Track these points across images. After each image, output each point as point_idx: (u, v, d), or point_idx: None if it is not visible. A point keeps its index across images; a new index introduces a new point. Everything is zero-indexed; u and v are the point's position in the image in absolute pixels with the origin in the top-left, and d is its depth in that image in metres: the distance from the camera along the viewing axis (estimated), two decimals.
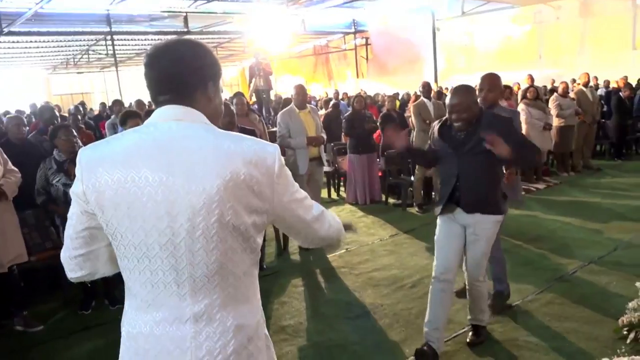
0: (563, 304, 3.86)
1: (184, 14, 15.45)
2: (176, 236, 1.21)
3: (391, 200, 7.41)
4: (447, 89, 11.75)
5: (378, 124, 7.72)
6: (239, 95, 6.39)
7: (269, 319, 3.82)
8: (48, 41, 17.30)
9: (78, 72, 24.21)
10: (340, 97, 14.25)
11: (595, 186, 7.74)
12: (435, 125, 3.27)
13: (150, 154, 1.21)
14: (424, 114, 6.81)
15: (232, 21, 16.05)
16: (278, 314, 4.01)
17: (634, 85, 11.18)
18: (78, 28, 15.16)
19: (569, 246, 5.12)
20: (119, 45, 17.07)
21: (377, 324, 3.74)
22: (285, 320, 3.89)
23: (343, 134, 7.94)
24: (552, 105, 8.33)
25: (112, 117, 8.08)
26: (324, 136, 5.62)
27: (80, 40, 17.66)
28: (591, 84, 10.09)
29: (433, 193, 7.19)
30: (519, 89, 10.31)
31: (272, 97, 13.43)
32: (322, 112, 9.36)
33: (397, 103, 11.04)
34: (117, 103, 9.01)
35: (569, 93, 8.63)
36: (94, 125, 9.30)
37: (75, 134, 4.35)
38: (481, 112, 3.07)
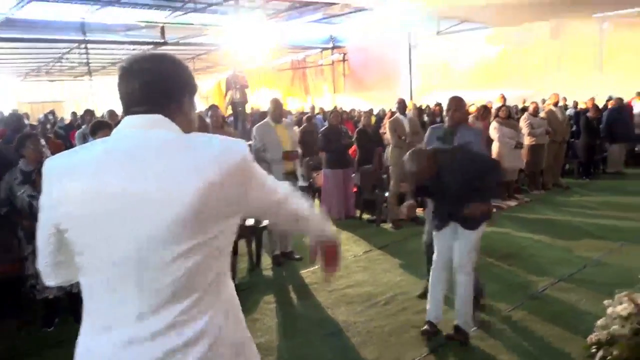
0: (535, 321, 3.89)
1: (161, 25, 15.32)
2: (141, 249, 1.16)
3: (365, 216, 7.40)
4: (428, 106, 11.90)
5: (354, 139, 7.74)
6: (213, 107, 6.33)
7: None
8: (20, 48, 16.91)
9: (50, 80, 23.71)
10: (316, 111, 14.28)
11: (564, 204, 7.89)
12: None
13: (119, 164, 1.17)
14: (399, 130, 6.86)
15: (209, 33, 15.99)
16: (250, 332, 3.91)
17: (600, 107, 11.52)
18: (52, 35, 14.88)
19: (540, 263, 5.18)
20: (93, 54, 16.79)
21: (350, 341, 3.69)
22: (257, 337, 3.80)
23: (319, 148, 7.93)
24: (523, 124, 8.50)
25: (83, 127, 7.89)
26: (300, 151, 5.59)
27: (54, 48, 17.32)
28: (560, 104, 10.35)
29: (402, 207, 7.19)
30: (491, 107, 10.50)
31: (248, 110, 13.38)
32: (296, 129, 9.33)
33: (373, 119, 11.11)
34: (89, 113, 8.84)
35: (539, 112, 8.82)
36: (64, 134, 9.09)
37: (43, 143, 4.22)
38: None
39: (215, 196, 1.18)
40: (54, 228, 1.24)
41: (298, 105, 20.91)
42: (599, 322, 3.41)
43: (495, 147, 8.09)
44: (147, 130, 1.22)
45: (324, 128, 7.71)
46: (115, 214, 1.15)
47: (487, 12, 14.00)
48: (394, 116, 7.20)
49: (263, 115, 7.55)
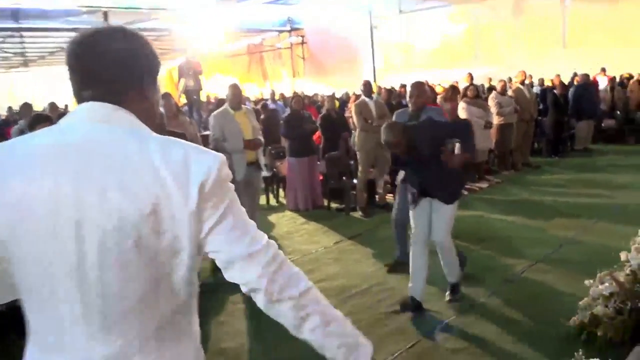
0: (515, 306, 3.91)
1: (104, 10, 14.73)
2: (84, 262, 1.03)
3: (334, 205, 7.34)
4: (393, 88, 11.89)
5: (318, 124, 7.65)
6: (166, 96, 6.07)
7: (205, 342, 3.59)
8: None
9: None
10: (276, 97, 14.11)
11: (535, 183, 8.04)
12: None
13: (61, 162, 1.03)
14: (366, 113, 6.79)
15: (159, 17, 15.50)
16: (216, 336, 3.79)
17: (566, 84, 11.80)
18: None
19: (515, 245, 5.24)
20: (29, 42, 16.02)
21: None
22: (225, 342, 3.68)
23: (282, 136, 7.81)
24: (491, 103, 8.59)
25: (21, 122, 7.53)
26: (262, 139, 5.45)
27: None
28: (527, 81, 10.54)
29: (377, 196, 7.18)
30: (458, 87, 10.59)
31: (203, 99, 13.08)
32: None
33: (337, 103, 11.04)
34: (26, 107, 8.39)
35: (507, 91, 8.93)
36: None
37: None
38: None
39: (169, 213, 1.04)
40: None
41: (256, 92, 20.62)
42: (581, 303, 3.45)
43: None
44: (101, 124, 1.07)
45: (286, 114, 7.58)
46: (54, 220, 1.02)
47: None
48: (360, 99, 7.13)
49: (220, 102, 7.34)
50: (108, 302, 1.05)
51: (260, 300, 1.16)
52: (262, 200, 7.63)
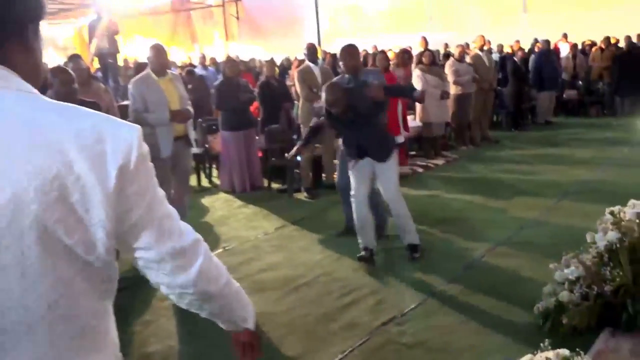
0: (476, 294, 4.00)
1: None
2: None
3: (275, 186, 7.30)
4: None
5: (255, 94, 7.51)
6: (75, 58, 5.76)
7: (128, 346, 3.49)
8: None
9: None
10: (207, 62, 13.78)
11: (495, 160, 8.28)
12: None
13: None
14: (310, 80, 6.71)
15: None
16: (141, 338, 3.68)
17: (526, 50, 12.17)
18: None
19: (475, 228, 5.38)
20: None
21: (267, 336, 3.57)
22: (151, 345, 3.58)
23: (214, 107, 7.62)
24: (448, 71, 8.72)
25: None
26: (191, 109, 5.28)
27: None
28: (486, 48, 10.76)
29: (324, 175, 7.17)
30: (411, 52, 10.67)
31: (121, 63, 12.60)
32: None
33: (276, 70, 10.91)
34: None
35: (465, 58, 9.08)
36: None
37: None
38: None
39: (74, 196, 0.96)
40: None
41: (184, 57, 20.05)
42: (546, 289, 3.57)
43: None
44: None
45: (218, 82, 7.39)
46: None
47: None
48: (303, 65, 7.05)
49: (140, 67, 7.05)
50: (7, 314, 0.95)
51: (179, 301, 1.19)
52: (193, 181, 7.47)
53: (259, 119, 7.76)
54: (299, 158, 7.06)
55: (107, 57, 11.20)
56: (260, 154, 7.48)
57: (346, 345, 3.43)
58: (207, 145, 7.87)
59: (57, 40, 25.49)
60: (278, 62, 13.54)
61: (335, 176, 7.06)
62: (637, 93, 10.63)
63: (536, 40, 12.75)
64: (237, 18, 22.38)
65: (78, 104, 1.06)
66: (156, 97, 4.99)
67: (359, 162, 4.53)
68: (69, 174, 0.94)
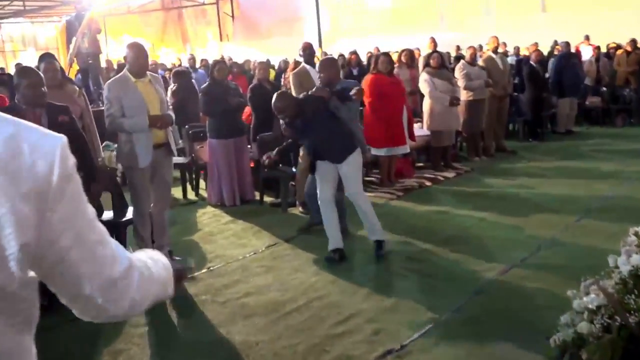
0: (486, 322, 3.90)
1: None
2: None
3: (267, 199, 7.24)
4: (342, 55, 11.84)
5: (247, 98, 7.45)
6: (47, 58, 5.70)
7: None
8: None
9: None
10: (198, 64, 13.78)
11: (510, 173, 8.20)
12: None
13: None
14: (307, 84, 6.64)
15: None
16: None
17: (545, 54, 12.12)
18: None
19: (487, 248, 5.29)
20: None
21: None
22: None
23: (201, 112, 7.56)
24: (459, 75, 8.65)
25: None
26: (172, 115, 5.22)
27: None
28: (500, 50, 10.72)
29: None
30: (419, 55, 10.65)
31: (104, 65, 12.60)
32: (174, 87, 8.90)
33: (272, 73, 10.88)
34: None
35: (477, 61, 9.03)
36: None
37: None
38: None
39: None
40: None
41: (174, 58, 20.09)
42: (563, 319, 3.46)
43: (426, 105, 8.17)
44: None
45: (205, 85, 7.34)
46: None
47: None
48: (300, 67, 7.00)
49: (122, 68, 7.00)
50: None
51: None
52: (178, 193, 7.42)
53: (250, 126, 7.69)
54: (294, 169, 7.00)
55: (88, 57, 11.17)
56: (251, 165, 7.42)
57: None
58: (193, 155, 7.81)
59: (39, 39, 25.66)
60: (276, 64, 13.54)
61: None
62: None
63: (556, 42, 12.73)
64: (232, 17, 22.49)
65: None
66: (134, 101, 4.91)
67: (320, 164, 5.11)
68: None
